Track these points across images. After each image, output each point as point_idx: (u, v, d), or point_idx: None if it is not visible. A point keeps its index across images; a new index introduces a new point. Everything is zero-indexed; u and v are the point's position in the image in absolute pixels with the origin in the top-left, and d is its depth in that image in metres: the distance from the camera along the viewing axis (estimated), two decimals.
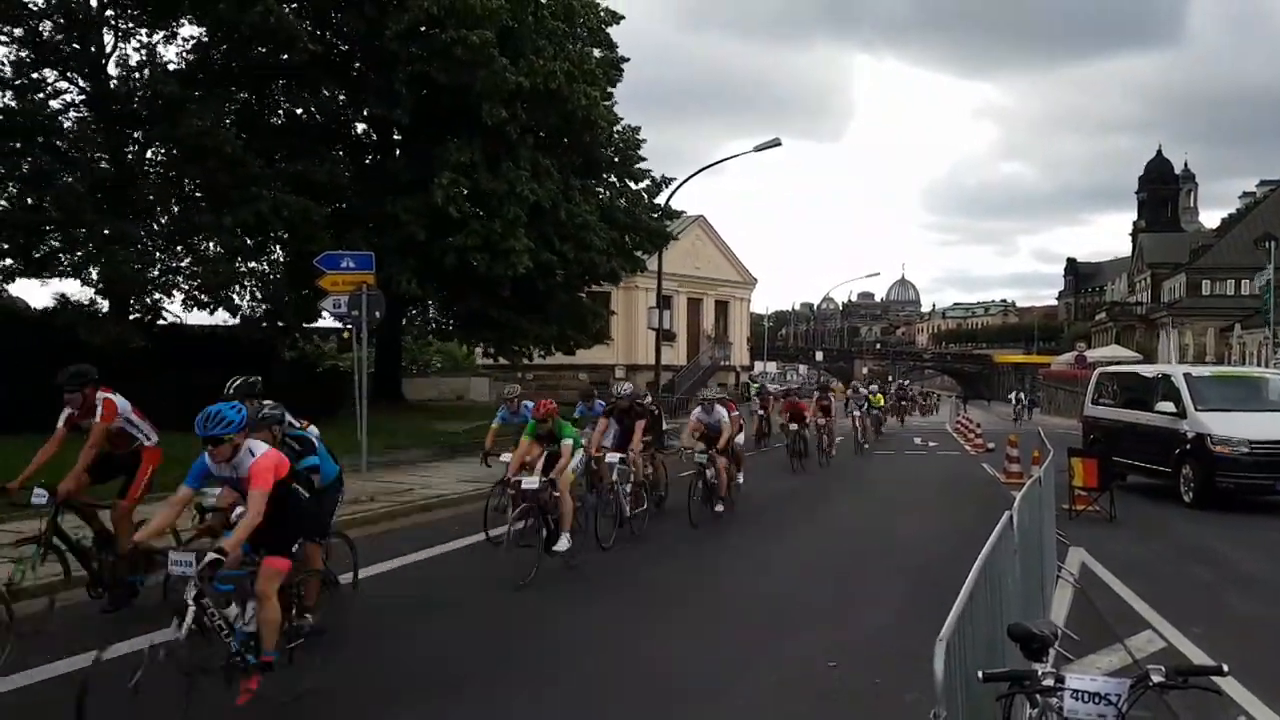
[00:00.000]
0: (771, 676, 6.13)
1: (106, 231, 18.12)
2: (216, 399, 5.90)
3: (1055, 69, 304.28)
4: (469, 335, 27.10)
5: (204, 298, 20.57)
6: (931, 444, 28.93)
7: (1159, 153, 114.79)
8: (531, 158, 22.66)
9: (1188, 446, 14.65)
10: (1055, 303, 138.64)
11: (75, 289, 20.57)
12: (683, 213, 38.57)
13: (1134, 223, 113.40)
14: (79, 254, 19.21)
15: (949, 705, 2.59)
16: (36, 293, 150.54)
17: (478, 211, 21.38)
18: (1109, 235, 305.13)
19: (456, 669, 6.24)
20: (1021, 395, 43.90)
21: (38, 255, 19.46)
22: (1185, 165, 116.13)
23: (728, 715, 5.41)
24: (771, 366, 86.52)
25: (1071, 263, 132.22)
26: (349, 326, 15.67)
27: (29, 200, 18.60)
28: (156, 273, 20.05)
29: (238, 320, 21.73)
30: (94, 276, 19.30)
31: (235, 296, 21.34)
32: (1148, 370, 19.24)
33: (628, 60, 26.89)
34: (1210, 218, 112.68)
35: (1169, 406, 15.23)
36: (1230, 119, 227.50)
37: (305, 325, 23.35)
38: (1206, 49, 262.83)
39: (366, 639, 6.69)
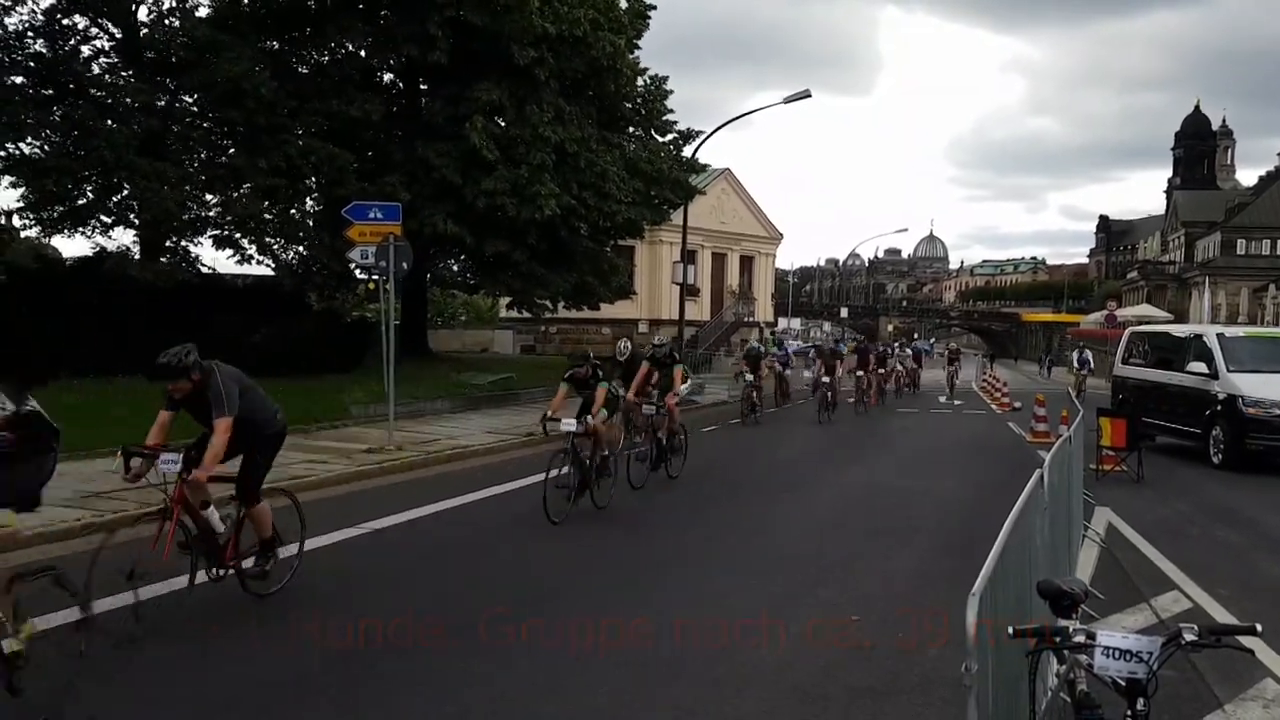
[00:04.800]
0: (794, 630, 6.17)
1: (145, 177, 18.25)
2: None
3: (1087, 24, 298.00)
4: (492, 282, 26.94)
5: (237, 235, 20.80)
6: (957, 402, 28.78)
7: (1196, 108, 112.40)
8: (556, 104, 22.51)
9: (1219, 408, 14.51)
10: (1086, 260, 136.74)
11: (106, 240, 21.00)
12: (708, 166, 38.18)
13: (1169, 180, 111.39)
14: (118, 197, 19.44)
15: (979, 659, 2.58)
16: (62, 246, 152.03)
17: (509, 158, 21.40)
18: (1141, 192, 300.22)
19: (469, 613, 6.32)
20: (1088, 357, 34.09)
21: (81, 203, 19.70)
22: (1223, 121, 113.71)
23: (748, 669, 5.45)
24: (796, 323, 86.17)
25: (1104, 220, 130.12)
26: (374, 277, 15.67)
27: (68, 148, 18.72)
28: (187, 218, 20.25)
29: (273, 268, 22.00)
30: (134, 220, 19.56)
31: (272, 241, 21.54)
32: (1180, 330, 18.99)
33: (654, 8, 26.47)
34: (1247, 176, 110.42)
35: (1201, 367, 15.06)
36: (1266, 75, 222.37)
37: (341, 274, 23.49)
38: (1241, 4, 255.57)
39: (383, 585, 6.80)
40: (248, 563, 6.42)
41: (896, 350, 33.94)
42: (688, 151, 27.48)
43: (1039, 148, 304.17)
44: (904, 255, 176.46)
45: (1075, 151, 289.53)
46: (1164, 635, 2.67)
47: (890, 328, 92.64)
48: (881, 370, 26.96)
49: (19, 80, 19.14)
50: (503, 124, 22.06)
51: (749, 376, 19.97)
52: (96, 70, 20.27)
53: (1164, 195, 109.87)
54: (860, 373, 24.08)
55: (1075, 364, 33.38)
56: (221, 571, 6.21)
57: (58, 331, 16.54)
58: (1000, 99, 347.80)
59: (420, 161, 21.41)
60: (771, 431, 18.99)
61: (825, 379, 21.42)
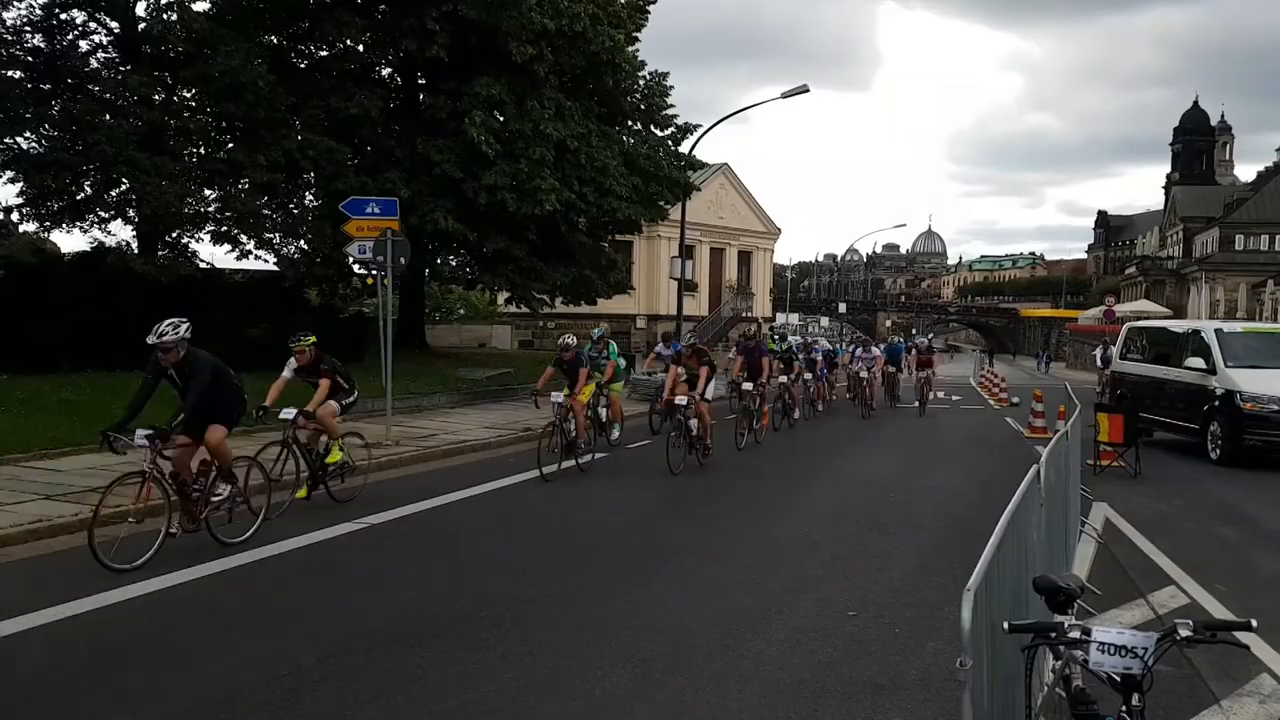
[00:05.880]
0: (792, 625, 6.18)
1: (144, 172, 18.21)
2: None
3: (1087, 20, 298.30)
4: (491, 276, 26.86)
5: (235, 231, 20.75)
6: (955, 398, 28.81)
7: (1195, 104, 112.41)
8: (556, 100, 22.51)
9: (1216, 403, 14.54)
10: (1084, 256, 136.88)
11: (104, 235, 21.02)
12: (706, 165, 38.11)
13: (1167, 175, 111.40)
14: (117, 192, 19.41)
15: (974, 654, 2.59)
16: (60, 241, 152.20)
17: (509, 153, 21.40)
18: (1140, 188, 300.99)
19: (488, 602, 6.34)
20: (1111, 354, 30.33)
21: (80, 198, 19.68)
22: (1222, 117, 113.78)
23: (747, 665, 5.46)
24: (794, 318, 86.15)
25: (1102, 215, 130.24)
26: (372, 272, 15.66)
27: (67, 143, 18.68)
28: (187, 212, 20.22)
29: (274, 263, 22.00)
30: (132, 215, 19.55)
31: (271, 237, 21.51)
32: (1178, 326, 19.01)
33: (655, 1, 26.44)
34: (1246, 171, 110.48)
35: (1199, 362, 15.08)
36: (1266, 71, 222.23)
37: (340, 269, 23.46)
38: (1241, 0, 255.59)
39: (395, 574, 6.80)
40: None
41: (859, 351, 24.33)
42: (685, 147, 27.44)
43: (1038, 143, 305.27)
44: (902, 251, 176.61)
45: (1074, 147, 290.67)
46: (1159, 631, 2.68)
47: (889, 323, 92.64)
48: (785, 380, 18.38)
49: (17, 75, 19.09)
50: (502, 119, 22.05)
51: (558, 398, 11.83)
52: (95, 65, 20.22)
53: (1162, 191, 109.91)
54: (748, 386, 15.54)
55: (1099, 361, 31.42)
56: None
57: (56, 326, 16.53)
58: (1000, 95, 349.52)
59: (420, 157, 21.40)
60: (570, 497, 10.79)
61: (682, 401, 12.30)
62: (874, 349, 25.10)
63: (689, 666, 5.37)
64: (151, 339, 7.18)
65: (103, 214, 20.19)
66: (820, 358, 22.15)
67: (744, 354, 16.48)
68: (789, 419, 18.61)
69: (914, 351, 24.54)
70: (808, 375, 20.62)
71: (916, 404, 23.10)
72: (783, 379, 18.48)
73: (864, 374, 22.36)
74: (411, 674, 5.15)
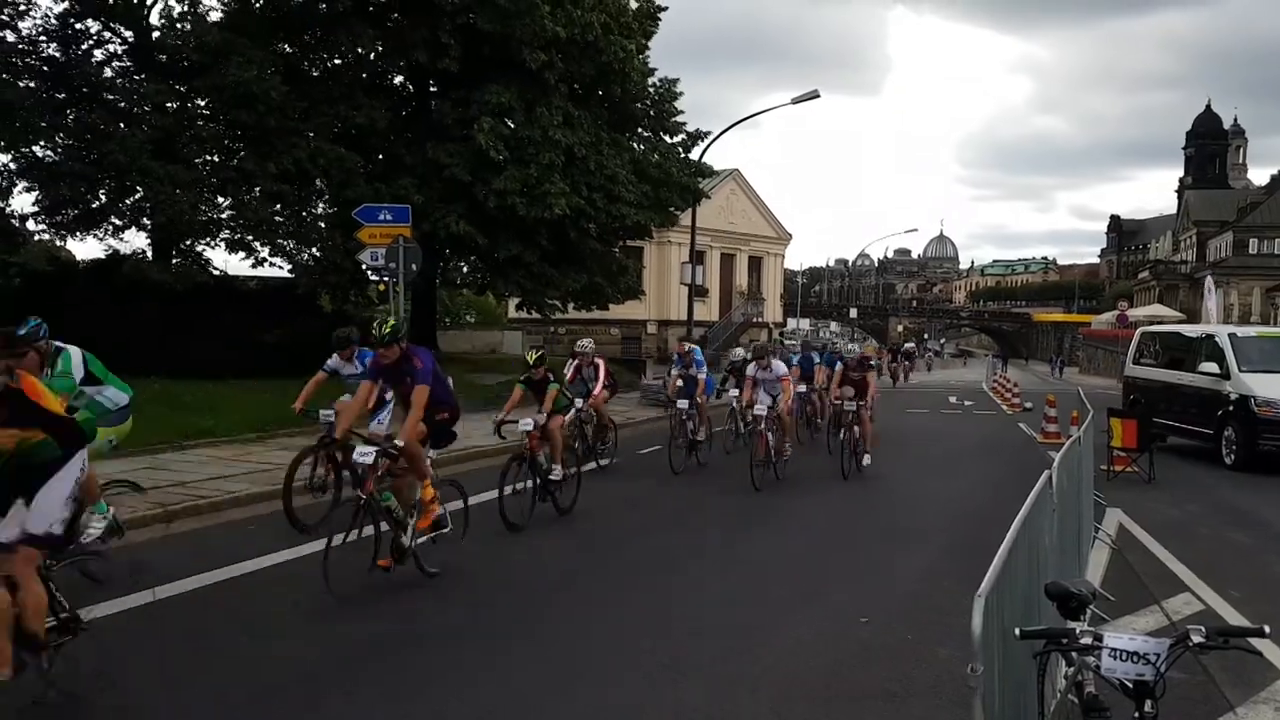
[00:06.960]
0: (803, 632, 6.17)
1: (158, 180, 18.36)
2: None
3: (1093, 23, 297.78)
4: (504, 282, 26.85)
5: (249, 238, 20.87)
6: (967, 403, 28.70)
7: (1208, 107, 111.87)
8: (564, 108, 22.58)
9: (1231, 408, 14.46)
10: (1097, 260, 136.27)
11: (118, 243, 21.27)
12: (717, 172, 38.13)
13: (1180, 179, 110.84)
14: (131, 200, 19.56)
15: (985, 660, 2.59)
16: (75, 249, 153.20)
17: (518, 159, 21.48)
18: (1152, 192, 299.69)
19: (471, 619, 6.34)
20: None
21: (94, 206, 19.84)
22: (1235, 120, 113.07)
23: (760, 670, 5.45)
24: (805, 323, 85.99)
25: (1115, 220, 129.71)
26: (384, 278, 15.75)
27: (82, 152, 18.85)
28: (202, 220, 20.37)
29: (289, 270, 22.12)
30: (147, 223, 19.72)
31: (285, 243, 21.64)
32: (1191, 330, 18.92)
33: (665, 9, 26.51)
34: (1259, 175, 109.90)
35: (1212, 367, 15.01)
36: (1271, 75, 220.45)
37: (354, 275, 23.54)
38: (1249, 4, 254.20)
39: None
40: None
41: (755, 370, 12.64)
42: (695, 154, 27.48)
43: (1047, 147, 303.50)
44: (914, 255, 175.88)
45: (1084, 151, 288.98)
46: (1171, 637, 2.67)
47: (900, 328, 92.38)
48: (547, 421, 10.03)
49: (32, 84, 19.26)
50: (511, 125, 22.14)
51: None
52: (109, 74, 20.40)
53: (1175, 195, 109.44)
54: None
55: None
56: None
57: (72, 334, 16.65)
58: (1008, 98, 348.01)
59: (431, 163, 21.50)
60: None
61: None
62: (780, 364, 13.32)
63: (701, 671, 5.37)
64: None
65: (117, 222, 20.40)
66: (702, 376, 14.33)
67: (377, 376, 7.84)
68: (553, 497, 9.80)
69: (838, 365, 14.45)
70: (682, 403, 13.53)
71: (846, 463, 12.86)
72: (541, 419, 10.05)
73: (761, 411, 11.89)
74: (423, 677, 5.16)
